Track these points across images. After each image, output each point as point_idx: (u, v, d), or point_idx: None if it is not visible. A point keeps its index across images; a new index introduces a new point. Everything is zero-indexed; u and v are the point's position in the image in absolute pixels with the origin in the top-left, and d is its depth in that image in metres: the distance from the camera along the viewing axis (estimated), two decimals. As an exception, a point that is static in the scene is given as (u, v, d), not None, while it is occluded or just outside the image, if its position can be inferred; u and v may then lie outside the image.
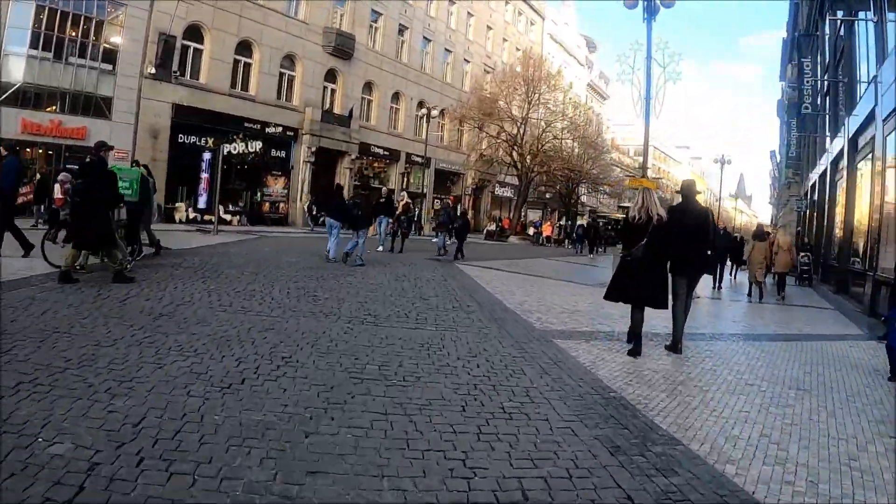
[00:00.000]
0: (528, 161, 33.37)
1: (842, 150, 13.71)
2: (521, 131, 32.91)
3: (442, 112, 34.19)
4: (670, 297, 5.77)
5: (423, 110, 28.73)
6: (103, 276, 7.14)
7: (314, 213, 24.89)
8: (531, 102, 32.57)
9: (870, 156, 11.52)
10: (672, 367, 5.28)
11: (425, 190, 33.48)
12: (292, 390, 3.64)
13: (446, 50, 35.61)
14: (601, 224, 35.59)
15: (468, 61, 37.53)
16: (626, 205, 51.58)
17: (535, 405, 3.75)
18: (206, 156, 21.77)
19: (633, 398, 4.12)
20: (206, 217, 23.05)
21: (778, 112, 63.38)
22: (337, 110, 27.99)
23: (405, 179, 30.72)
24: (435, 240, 22.88)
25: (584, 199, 46.31)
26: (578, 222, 34.93)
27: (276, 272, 9.10)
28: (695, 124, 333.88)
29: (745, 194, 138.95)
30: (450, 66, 36.18)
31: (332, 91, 28.29)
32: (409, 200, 18.41)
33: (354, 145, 28.09)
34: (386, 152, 30.93)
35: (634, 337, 5.69)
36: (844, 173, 12.92)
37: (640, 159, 44.55)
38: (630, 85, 11.11)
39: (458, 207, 19.58)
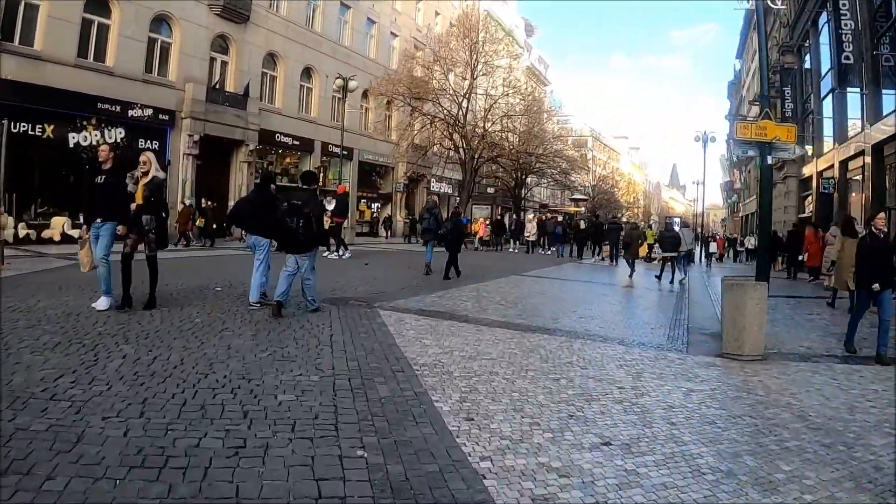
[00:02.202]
0: (472, 145, 27.83)
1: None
2: (464, 108, 27.42)
3: (365, 93, 28.85)
4: None
5: (339, 80, 22.92)
6: None
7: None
8: (475, 73, 27.27)
9: None
10: None
11: (349, 189, 28.23)
12: None
13: (369, 20, 30.09)
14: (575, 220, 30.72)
15: (395, 35, 32.18)
16: (578, 197, 48.47)
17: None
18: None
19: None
20: (47, 234, 17.07)
21: (728, 94, 62.11)
22: (230, 88, 22.18)
23: (321, 174, 25.13)
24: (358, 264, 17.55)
25: (534, 190, 42.35)
26: (550, 218, 29.34)
27: None
28: (631, 116, 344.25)
29: (679, 184, 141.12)
30: (374, 39, 30.73)
31: (224, 64, 22.38)
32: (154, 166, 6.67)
33: (253, 132, 22.35)
34: (296, 142, 25.09)
35: None
36: None
37: (583, 151, 39.67)
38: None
39: (434, 205, 13.91)
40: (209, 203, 19.70)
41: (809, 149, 24.10)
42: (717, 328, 7.12)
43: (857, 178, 17.46)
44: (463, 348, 5.72)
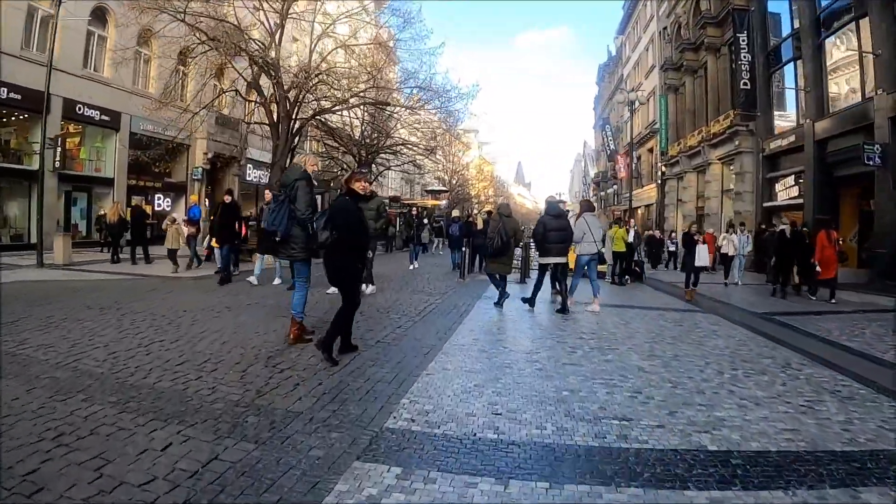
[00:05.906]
0: (290, 97, 17.77)
1: None
2: (278, 38, 17.56)
3: (147, 37, 20.40)
4: None
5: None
6: None
7: None
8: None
9: None
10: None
11: (113, 174, 20.05)
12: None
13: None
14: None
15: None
16: (436, 188, 42.80)
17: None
18: None
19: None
20: None
21: (599, 78, 60.00)
22: None
23: (60, 150, 16.65)
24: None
25: (383, 179, 36.26)
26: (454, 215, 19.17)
27: None
28: (482, 113, 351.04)
29: (525, 181, 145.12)
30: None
31: None
32: None
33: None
34: (16, 94, 15.79)
35: None
36: None
37: (436, 142, 29.91)
38: None
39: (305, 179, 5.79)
40: None
41: (784, 116, 19.73)
42: None
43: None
44: None
